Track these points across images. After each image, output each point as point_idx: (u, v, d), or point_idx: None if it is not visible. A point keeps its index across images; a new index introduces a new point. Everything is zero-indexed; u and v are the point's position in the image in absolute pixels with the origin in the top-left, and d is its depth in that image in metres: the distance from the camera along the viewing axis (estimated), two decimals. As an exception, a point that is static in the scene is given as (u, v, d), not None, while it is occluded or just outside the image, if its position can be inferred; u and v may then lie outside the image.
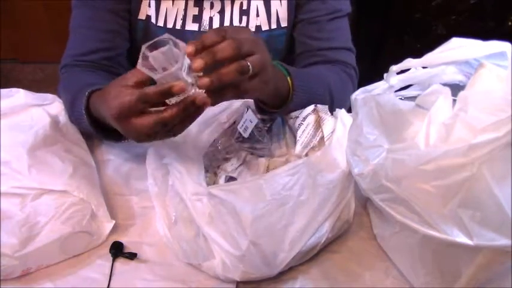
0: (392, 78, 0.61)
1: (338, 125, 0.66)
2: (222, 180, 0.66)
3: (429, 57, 0.58)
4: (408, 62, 0.58)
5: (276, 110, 0.71)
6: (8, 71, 2.22)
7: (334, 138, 0.64)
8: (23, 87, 0.74)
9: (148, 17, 0.79)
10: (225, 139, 0.69)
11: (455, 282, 0.53)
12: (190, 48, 0.50)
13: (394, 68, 0.60)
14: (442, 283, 0.55)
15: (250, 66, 0.53)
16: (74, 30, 0.80)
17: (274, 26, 0.83)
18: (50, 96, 0.76)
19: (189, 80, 0.51)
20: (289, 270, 0.60)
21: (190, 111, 0.54)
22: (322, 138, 0.66)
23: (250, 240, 0.55)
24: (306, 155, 0.67)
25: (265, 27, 0.83)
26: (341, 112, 0.68)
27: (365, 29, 1.77)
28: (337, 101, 0.77)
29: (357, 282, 0.60)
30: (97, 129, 0.67)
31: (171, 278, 0.59)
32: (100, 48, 0.79)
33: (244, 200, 0.56)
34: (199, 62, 0.50)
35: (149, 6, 0.78)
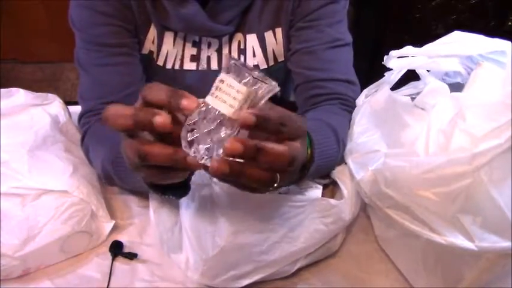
0: (392, 61, 0.61)
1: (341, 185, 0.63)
2: None
3: (429, 48, 0.57)
4: (408, 50, 0.58)
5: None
6: (8, 71, 2.21)
7: (344, 191, 0.61)
8: (23, 87, 0.74)
9: (151, 52, 0.78)
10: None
11: (457, 285, 0.53)
12: (249, 120, 0.37)
13: (394, 52, 0.59)
14: (444, 286, 0.55)
15: (278, 181, 0.41)
16: (87, 69, 0.73)
17: (272, 63, 0.81)
18: (50, 96, 0.76)
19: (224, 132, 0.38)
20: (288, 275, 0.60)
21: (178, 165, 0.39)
22: None
23: (222, 248, 0.53)
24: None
25: (263, 66, 0.81)
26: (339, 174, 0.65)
27: (365, 29, 1.77)
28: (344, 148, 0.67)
29: (357, 285, 0.60)
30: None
31: (170, 279, 0.59)
32: (124, 85, 0.72)
33: (235, 207, 0.54)
34: (236, 147, 0.36)
35: (153, 43, 0.77)
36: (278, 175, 0.41)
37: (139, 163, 0.40)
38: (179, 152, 0.38)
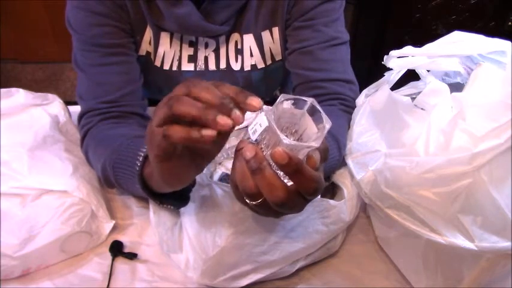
0: (392, 61, 0.61)
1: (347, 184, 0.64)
2: (217, 176, 0.66)
3: (429, 48, 0.57)
4: (408, 49, 0.58)
5: None
6: (8, 71, 2.22)
7: (345, 192, 0.62)
8: (23, 87, 0.74)
9: (148, 53, 0.78)
10: (234, 138, 0.68)
11: (457, 285, 0.53)
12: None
13: (394, 52, 0.59)
14: (444, 286, 0.55)
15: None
16: (84, 70, 0.72)
17: (269, 62, 0.81)
18: (50, 96, 0.76)
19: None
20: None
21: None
22: None
23: (222, 248, 0.53)
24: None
25: (260, 66, 0.81)
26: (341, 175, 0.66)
27: (365, 29, 1.77)
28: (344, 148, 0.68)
29: (357, 285, 0.60)
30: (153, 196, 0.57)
31: (170, 279, 0.59)
32: (122, 84, 0.72)
33: (236, 208, 0.54)
34: (283, 156, 0.38)
35: (149, 44, 0.77)
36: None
37: (167, 113, 0.39)
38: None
